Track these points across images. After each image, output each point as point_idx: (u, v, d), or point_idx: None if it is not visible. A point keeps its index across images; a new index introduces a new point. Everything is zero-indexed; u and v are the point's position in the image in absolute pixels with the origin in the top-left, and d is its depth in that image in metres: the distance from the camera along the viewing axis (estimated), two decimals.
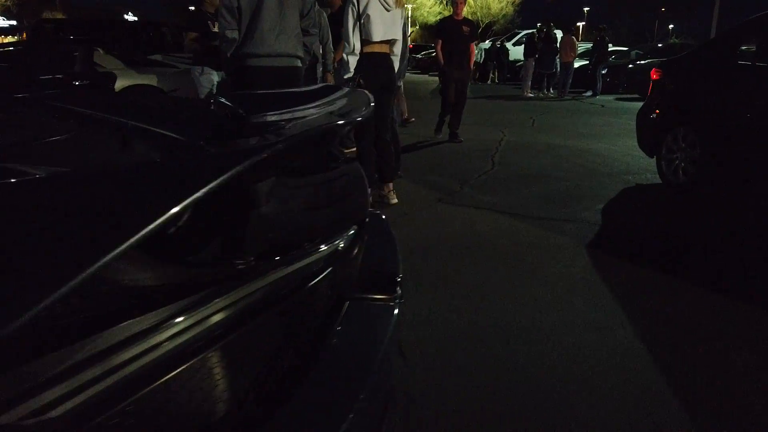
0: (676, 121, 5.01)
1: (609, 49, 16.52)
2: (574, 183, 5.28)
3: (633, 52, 18.25)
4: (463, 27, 7.38)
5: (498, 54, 21.43)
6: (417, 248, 3.53)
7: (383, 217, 1.69)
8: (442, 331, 2.49)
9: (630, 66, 16.18)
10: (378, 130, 4.51)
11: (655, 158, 5.31)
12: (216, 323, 0.77)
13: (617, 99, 14.66)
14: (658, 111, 5.28)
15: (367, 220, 1.22)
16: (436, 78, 8.14)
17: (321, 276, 0.96)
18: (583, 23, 56.88)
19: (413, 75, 25.35)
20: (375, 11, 4.02)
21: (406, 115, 8.94)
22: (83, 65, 5.54)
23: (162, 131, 1.11)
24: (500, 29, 39.69)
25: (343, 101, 1.58)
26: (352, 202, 1.21)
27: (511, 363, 2.25)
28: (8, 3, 46.30)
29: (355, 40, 4.05)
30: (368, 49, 4.13)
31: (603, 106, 13.03)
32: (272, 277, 0.88)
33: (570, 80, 15.08)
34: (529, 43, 15.75)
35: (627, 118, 10.25)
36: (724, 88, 4.56)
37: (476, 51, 21.62)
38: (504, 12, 42.26)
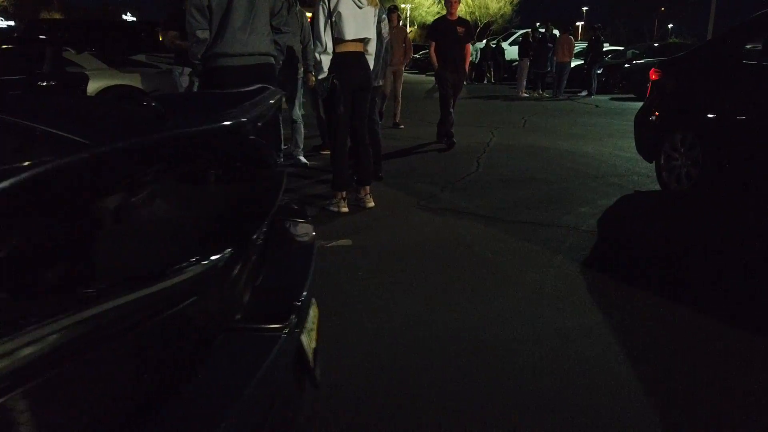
0: (676, 124, 4.74)
1: (604, 49, 16.38)
2: (558, 186, 5.15)
3: (629, 52, 18.11)
4: (458, 27, 6.98)
5: (494, 53, 21.29)
6: (388, 254, 3.40)
7: (308, 226, 1.55)
8: (408, 340, 2.36)
9: (626, 66, 16.05)
10: (355, 132, 4.38)
11: (654, 163, 5.03)
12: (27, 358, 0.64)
13: (612, 99, 14.51)
14: (657, 113, 4.97)
15: (257, 236, 1.08)
16: (433, 78, 7.77)
17: (181, 304, 0.83)
18: (582, 23, 56.71)
19: (411, 75, 25.22)
20: (346, 9, 3.89)
21: (398, 119, 8.76)
22: (51, 66, 5.41)
23: (57, 132, 0.98)
24: (499, 29, 39.56)
25: (263, 103, 1.46)
26: (243, 214, 1.08)
27: (479, 373, 2.12)
28: (5, 3, 46.23)
29: (327, 39, 3.92)
30: (341, 48, 4.00)
31: (597, 106, 12.89)
32: (109, 305, 0.75)
33: (565, 80, 14.94)
34: (524, 43, 15.61)
35: (620, 119, 10.14)
36: (728, 90, 4.29)
37: (471, 51, 21.61)
38: (502, 11, 42.09)
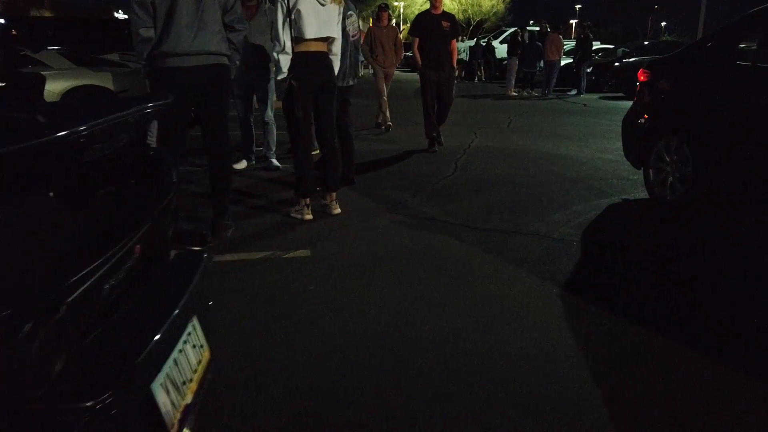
0: (666, 128, 4.42)
1: (594, 47, 16.23)
2: (533, 190, 4.98)
3: (619, 50, 17.96)
4: (443, 22, 6.42)
5: (484, 52, 21.10)
6: (346, 266, 3.22)
7: (196, 259, 1.37)
8: (362, 355, 2.19)
9: (616, 64, 15.90)
10: (320, 135, 4.20)
11: (642, 170, 4.72)
12: None
13: (602, 98, 14.36)
14: (646, 117, 4.63)
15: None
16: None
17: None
18: (576, 21, 56.54)
19: (403, 73, 25.00)
20: (307, 6, 3.71)
21: (387, 122, 8.33)
22: (3, 67, 5.20)
23: None
24: (491, 27, 39.36)
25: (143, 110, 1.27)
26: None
27: (425, 394, 1.94)
28: None
29: (286, 38, 3.73)
30: (301, 47, 3.81)
31: (585, 105, 12.74)
32: None
33: (555, 79, 14.78)
34: (512, 42, 15.44)
35: (607, 119, 9.99)
36: (720, 92, 3.98)
37: (460, 49, 21.38)
38: (495, 9, 41.81)
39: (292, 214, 4.11)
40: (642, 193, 4.88)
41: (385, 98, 8.36)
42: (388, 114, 8.40)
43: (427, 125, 6.68)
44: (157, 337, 0.97)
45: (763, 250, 3.64)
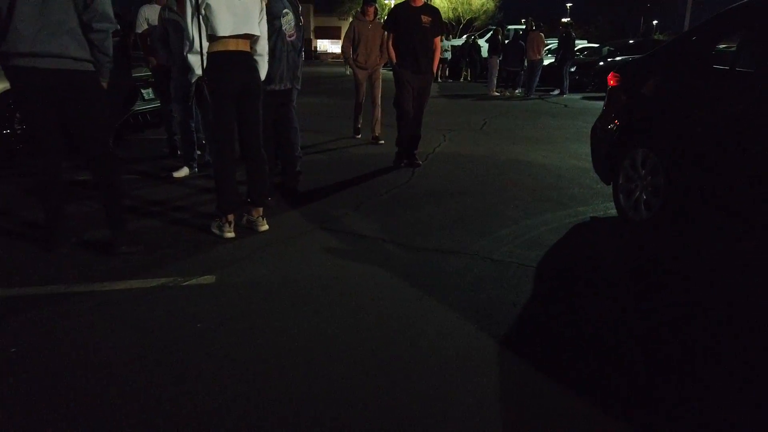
0: (635, 139, 3.93)
1: (580, 46, 15.90)
2: (487, 201, 4.61)
3: (605, 49, 17.63)
4: (423, 17, 5.50)
5: (470, 50, 20.75)
6: (251, 294, 2.84)
7: None
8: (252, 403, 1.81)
9: (600, 63, 15.57)
10: (244, 145, 3.82)
11: (612, 185, 4.24)
12: None
13: (584, 98, 14.03)
14: (614, 126, 4.13)
15: None
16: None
17: None
18: (567, 19, 56.37)
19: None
20: (218, 1, 3.32)
21: (377, 132, 7.27)
22: None
23: None
24: (482, 25, 38.95)
25: None
26: None
27: None
28: None
29: (195, 36, 3.35)
30: (218, 47, 3.42)
31: (566, 106, 12.40)
32: None
33: (537, 79, 14.44)
34: (493, 41, 15.09)
35: (585, 120, 9.65)
36: (693, 100, 3.52)
37: (443, 47, 21.03)
38: (485, 7, 41.43)
39: (213, 230, 3.73)
40: (604, 204, 4.53)
41: (378, 105, 7.26)
42: (378, 126, 7.34)
43: (402, 134, 5.79)
44: None
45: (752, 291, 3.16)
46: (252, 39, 3.56)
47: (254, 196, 3.82)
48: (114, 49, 5.48)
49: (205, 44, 3.37)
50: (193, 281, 3.01)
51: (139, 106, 6.69)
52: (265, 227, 3.84)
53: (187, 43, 3.36)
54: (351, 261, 3.33)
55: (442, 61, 20.93)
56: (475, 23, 40.78)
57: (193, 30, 3.32)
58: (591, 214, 4.29)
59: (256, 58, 3.65)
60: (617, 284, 3.08)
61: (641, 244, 3.70)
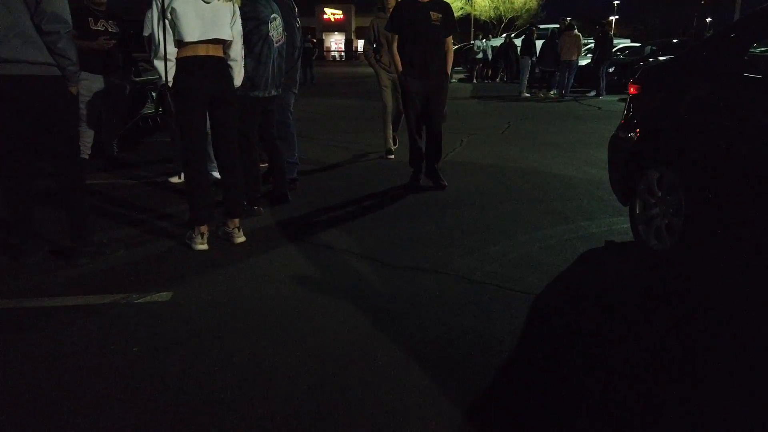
0: (655, 156, 3.42)
1: (617, 45, 15.26)
2: (484, 214, 4.34)
3: (647, 48, 16.87)
4: (432, 13, 4.79)
5: (507, 51, 20.25)
6: (202, 313, 2.68)
7: None
8: None
9: (640, 63, 14.87)
10: (218, 153, 3.70)
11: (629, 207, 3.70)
12: None
13: (621, 100, 13.39)
14: (633, 141, 3.59)
15: None
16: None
17: None
18: (616, 17, 54.61)
19: None
20: (184, 5, 3.18)
21: (389, 145, 6.47)
22: None
23: None
24: (523, 24, 38.15)
25: None
26: None
27: None
28: None
29: (162, 41, 3.22)
30: (187, 52, 3.29)
31: (600, 108, 11.87)
32: None
33: (572, 80, 13.91)
34: (526, 41, 14.64)
35: (617, 124, 9.15)
36: (721, 113, 2.99)
37: (481, 48, 20.63)
38: (527, 6, 40.51)
39: (187, 241, 3.61)
40: (611, 219, 4.19)
41: (389, 112, 6.35)
42: (389, 132, 6.50)
43: (413, 152, 5.16)
44: None
45: None
46: (224, 44, 3.41)
47: (229, 206, 3.67)
48: (114, 51, 5.53)
49: (173, 50, 3.24)
50: (148, 298, 2.87)
51: (148, 110, 6.69)
52: (242, 239, 3.69)
53: (153, 48, 3.24)
54: (321, 280, 3.13)
55: (477, 61, 20.53)
56: (517, 22, 39.96)
57: (158, 34, 3.19)
58: (594, 230, 3.96)
59: (230, 63, 3.50)
60: (615, 321, 2.78)
61: (652, 273, 3.36)
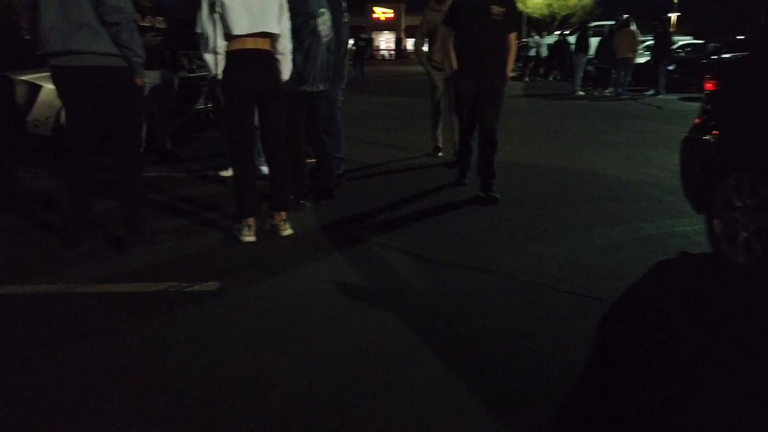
0: (737, 160, 3.10)
1: (677, 43, 14.63)
2: (531, 214, 4.21)
3: (710, 45, 16.11)
4: (493, 7, 4.40)
5: (560, 48, 19.76)
6: (247, 305, 2.70)
7: None
8: None
9: (703, 61, 14.22)
10: (266, 146, 3.73)
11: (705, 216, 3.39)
12: None
13: (682, 99, 12.83)
14: (711, 142, 3.31)
15: None
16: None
17: None
18: (677, 14, 52.43)
19: None
20: None
21: (437, 143, 6.34)
22: None
23: None
24: (578, 22, 37.15)
25: None
26: None
27: None
28: None
29: (211, 35, 3.26)
30: (235, 45, 3.33)
31: (659, 107, 11.38)
32: None
33: (629, 78, 13.42)
34: (580, 38, 14.22)
35: (677, 124, 8.77)
36: None
37: (535, 45, 20.21)
38: (583, 3, 39.39)
39: (235, 233, 3.65)
40: (671, 221, 3.98)
41: (439, 111, 6.16)
42: (438, 131, 6.33)
43: (463, 151, 4.97)
44: None
45: None
46: (272, 38, 3.43)
47: (276, 200, 3.70)
48: (160, 47, 5.67)
49: (222, 43, 3.29)
50: (196, 287, 2.92)
51: (200, 105, 6.84)
52: (288, 232, 3.71)
53: (203, 43, 3.29)
54: (365, 276, 3.10)
55: (530, 59, 20.13)
56: (572, 19, 38.92)
57: (208, 28, 3.24)
58: (651, 232, 3.78)
59: (278, 57, 3.52)
60: (672, 329, 2.63)
61: (728, 286, 3.17)
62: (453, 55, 4.65)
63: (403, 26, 53.40)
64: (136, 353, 2.28)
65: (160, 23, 5.69)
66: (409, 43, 53.10)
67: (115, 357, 2.25)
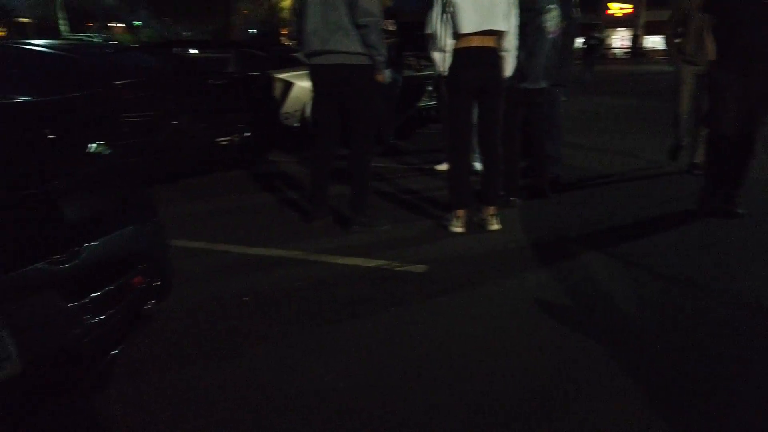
0: None
1: None
2: None
3: None
4: None
5: None
6: (451, 290, 2.85)
7: None
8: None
9: None
10: (481, 141, 3.83)
11: None
12: None
13: None
14: None
15: None
16: None
17: None
18: None
19: None
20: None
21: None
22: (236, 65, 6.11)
23: None
24: None
25: None
26: None
27: None
28: None
29: (442, 34, 3.45)
30: (461, 43, 3.47)
31: None
32: None
33: None
34: None
35: None
36: None
37: None
38: None
39: (443, 222, 3.83)
40: None
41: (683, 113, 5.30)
42: (682, 135, 5.42)
43: (714, 162, 4.04)
44: None
45: None
46: (498, 35, 3.50)
47: (486, 195, 3.77)
48: (389, 48, 6.11)
49: (450, 41, 3.46)
50: (406, 268, 3.15)
51: (424, 102, 7.24)
52: (495, 227, 3.76)
53: (432, 41, 3.50)
54: (573, 279, 3.02)
55: None
56: None
57: (438, 28, 3.44)
58: None
59: (502, 54, 3.57)
60: None
61: None
62: (709, 43, 3.98)
63: (641, 22, 49.05)
64: (358, 315, 2.57)
65: (390, 26, 6.20)
66: (647, 41, 48.67)
67: (333, 318, 2.57)
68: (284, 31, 28.34)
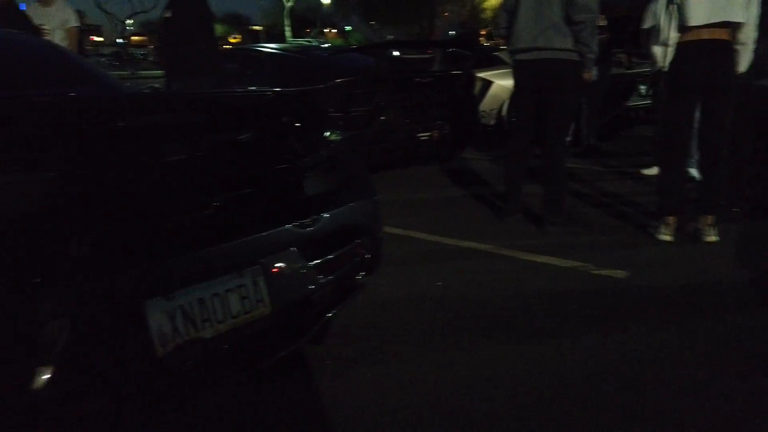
0: None
1: None
2: None
3: None
4: None
5: None
6: (654, 298, 2.67)
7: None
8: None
9: None
10: (702, 143, 3.50)
11: None
12: None
13: None
14: None
15: None
16: None
17: None
18: None
19: None
20: None
21: None
22: (440, 64, 6.20)
23: None
24: None
25: None
26: None
27: None
28: None
29: (665, 26, 3.21)
30: (686, 37, 3.20)
31: None
32: None
33: None
34: None
35: None
36: None
37: None
38: None
39: (649, 230, 3.58)
40: None
41: None
42: None
43: None
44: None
45: None
46: (733, 26, 3.14)
47: (703, 202, 3.43)
48: (600, 44, 5.78)
49: (674, 35, 3.20)
50: (604, 272, 3.02)
51: (633, 101, 6.75)
52: (713, 238, 3.39)
53: (654, 33, 3.27)
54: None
55: None
56: None
57: (662, 20, 3.20)
58: None
59: (737, 47, 3.20)
60: None
61: None
62: None
63: None
64: (536, 312, 2.56)
65: (601, 21, 5.87)
66: None
67: (520, 311, 2.58)
68: (483, 32, 28.36)
